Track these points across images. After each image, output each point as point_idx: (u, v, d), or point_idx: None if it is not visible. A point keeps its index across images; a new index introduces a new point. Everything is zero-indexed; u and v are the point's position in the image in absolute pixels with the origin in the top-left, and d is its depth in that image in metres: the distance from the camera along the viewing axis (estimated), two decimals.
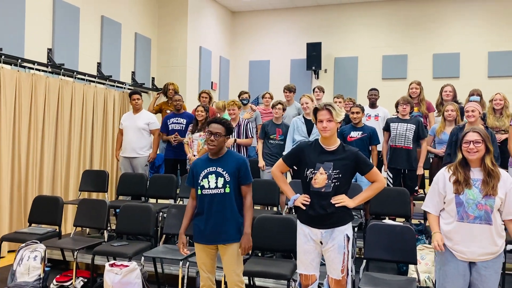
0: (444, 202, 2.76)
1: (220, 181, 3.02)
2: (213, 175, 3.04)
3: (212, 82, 9.35)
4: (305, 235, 2.93)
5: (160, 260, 4.34)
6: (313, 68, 9.37)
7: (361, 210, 5.03)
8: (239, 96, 6.58)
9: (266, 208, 5.53)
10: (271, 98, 6.68)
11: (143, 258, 4.01)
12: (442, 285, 2.76)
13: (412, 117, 5.19)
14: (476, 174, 2.69)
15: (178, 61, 8.43)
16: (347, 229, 2.89)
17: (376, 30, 9.32)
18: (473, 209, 2.63)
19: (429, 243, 4.16)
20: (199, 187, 3.05)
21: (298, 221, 3.01)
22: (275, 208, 5.26)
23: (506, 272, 3.96)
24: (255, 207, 5.63)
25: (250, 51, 10.19)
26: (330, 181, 2.83)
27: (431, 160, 5.48)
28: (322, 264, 2.99)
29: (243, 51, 10.23)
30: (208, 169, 3.06)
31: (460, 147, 2.74)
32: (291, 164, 3.10)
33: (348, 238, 2.86)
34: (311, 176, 2.87)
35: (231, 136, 5.28)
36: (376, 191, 2.95)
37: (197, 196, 3.08)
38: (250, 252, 3.23)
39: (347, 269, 2.86)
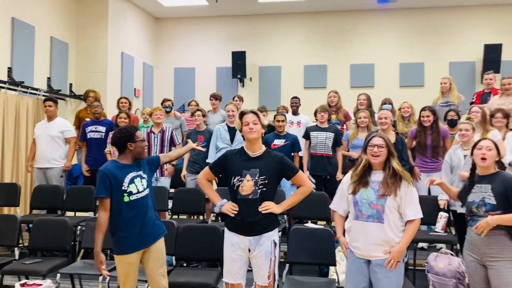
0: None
1: (144, 183, 3.06)
2: (138, 178, 3.03)
3: (135, 89, 9.10)
4: (233, 244, 2.92)
5: (78, 277, 4.12)
6: (239, 76, 9.47)
7: (285, 215, 5.15)
8: (162, 104, 6.48)
9: (191, 217, 5.48)
10: (197, 105, 6.66)
11: (59, 275, 3.79)
12: (346, 282, 2.93)
13: (330, 125, 5.45)
14: (376, 176, 2.85)
15: (98, 67, 8.10)
16: (274, 235, 2.93)
17: (298, 40, 9.65)
18: (366, 208, 2.80)
19: None
20: (125, 194, 2.94)
21: (225, 229, 3.01)
22: (201, 217, 5.23)
23: (416, 268, 4.28)
24: (180, 217, 5.56)
25: (175, 58, 10.06)
26: (257, 188, 2.86)
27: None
28: (249, 271, 3.01)
29: (168, 58, 10.08)
30: (131, 174, 3.01)
31: (365, 150, 2.91)
32: (217, 173, 3.12)
33: (275, 244, 2.91)
34: (238, 183, 2.88)
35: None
36: (303, 195, 3.00)
37: (123, 204, 2.94)
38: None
39: (274, 275, 2.90)
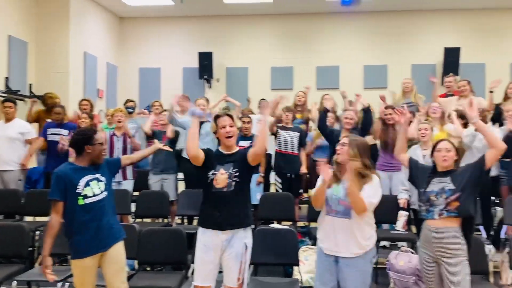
0: None
1: (102, 187, 2.97)
2: (95, 181, 2.95)
3: (98, 89, 8.89)
4: (206, 244, 2.90)
5: (35, 284, 3.97)
6: (205, 77, 9.42)
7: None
8: (124, 104, 6.36)
9: (156, 221, 5.40)
10: (161, 106, 6.58)
11: (15, 282, 3.64)
12: (315, 280, 2.97)
13: (295, 125, 5.51)
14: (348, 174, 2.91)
15: (60, 67, 7.87)
16: (247, 236, 2.93)
17: (265, 42, 9.69)
18: (336, 204, 2.87)
19: (313, 245, 4.40)
20: (80, 197, 2.87)
21: (199, 229, 2.98)
22: (165, 220, 5.16)
23: (378, 266, 4.36)
24: (144, 220, 5.47)
25: (140, 58, 9.90)
26: (231, 180, 2.88)
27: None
28: (219, 272, 2.99)
29: (133, 58, 9.91)
30: (87, 176, 2.93)
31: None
32: (203, 157, 2.97)
33: (246, 247, 2.90)
34: (212, 177, 2.90)
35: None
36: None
37: (77, 207, 2.87)
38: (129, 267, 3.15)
39: (243, 278, 2.90)
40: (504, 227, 4.67)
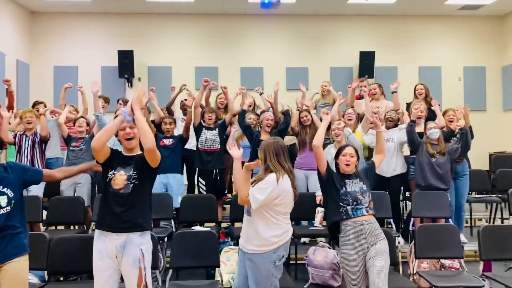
0: None
1: (4, 200, 2.71)
2: None
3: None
4: (100, 250, 2.82)
5: None
6: (126, 76, 9.10)
7: (172, 220, 5.07)
8: (33, 107, 5.94)
9: (73, 228, 5.12)
10: (76, 111, 6.29)
11: None
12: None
13: (217, 124, 5.50)
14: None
15: None
16: (143, 243, 2.86)
17: (188, 41, 9.57)
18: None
19: (235, 245, 4.41)
20: None
21: (95, 232, 2.90)
22: (82, 227, 4.91)
23: (297, 262, 4.49)
24: (58, 227, 5.17)
25: (55, 55, 9.32)
26: (129, 182, 2.84)
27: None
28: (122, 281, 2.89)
29: (47, 56, 9.30)
30: None
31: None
32: (105, 157, 2.92)
33: (143, 253, 2.83)
34: (111, 177, 2.85)
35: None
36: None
37: None
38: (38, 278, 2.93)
39: (145, 283, 2.83)
40: (412, 220, 5.01)
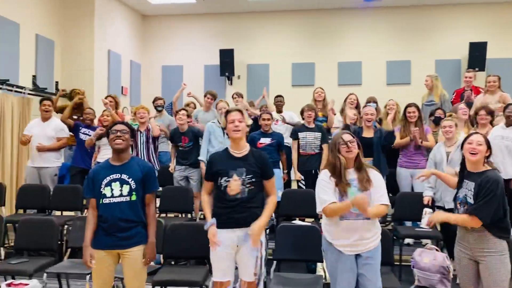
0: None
1: (126, 189, 2.92)
2: (117, 182, 2.92)
3: (122, 87, 9.04)
4: (221, 240, 2.91)
5: (65, 276, 4.09)
6: (227, 74, 9.47)
7: (274, 213, 5.17)
8: (153, 102, 6.45)
9: (181, 215, 5.47)
10: (188, 105, 6.70)
11: (45, 275, 3.76)
12: (335, 281, 2.92)
13: (316, 125, 5.46)
14: (351, 174, 2.89)
15: (85, 64, 8.03)
16: (262, 233, 2.94)
17: (286, 38, 9.68)
18: (355, 208, 2.78)
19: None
20: (101, 196, 2.91)
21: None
22: (189, 215, 5.23)
23: (402, 263, 4.34)
24: (168, 215, 5.55)
25: (163, 55, 10.02)
26: (244, 187, 2.87)
27: None
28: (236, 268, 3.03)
29: (156, 56, 10.04)
30: (111, 176, 2.94)
31: (338, 148, 2.91)
32: (210, 179, 3.02)
33: (261, 243, 2.92)
34: (225, 184, 2.88)
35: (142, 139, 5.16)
36: (274, 206, 2.99)
37: (99, 206, 2.93)
38: (154, 261, 3.17)
39: (260, 272, 2.93)
40: None
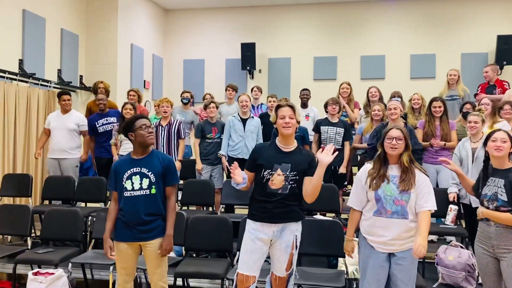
0: (368, 200, 2.87)
1: (145, 182, 2.95)
2: (137, 176, 2.96)
3: (144, 81, 9.13)
4: (255, 233, 2.88)
5: (89, 266, 4.17)
6: (248, 68, 9.44)
7: None
8: (181, 95, 6.54)
9: (202, 209, 5.51)
10: (212, 98, 6.71)
11: (70, 264, 3.85)
12: (364, 276, 2.89)
13: (340, 120, 5.39)
14: (394, 171, 2.82)
15: (108, 58, 8.13)
16: (298, 229, 2.93)
17: (307, 32, 9.58)
18: (391, 204, 2.76)
19: (357, 237, 4.35)
20: (123, 189, 2.96)
21: (248, 220, 2.97)
22: (210, 208, 5.25)
23: (425, 260, 4.26)
24: (190, 208, 5.60)
25: (185, 49, 10.06)
26: (287, 183, 2.83)
27: (359, 158, 5.74)
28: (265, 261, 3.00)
29: (177, 50, 10.08)
30: (131, 170, 2.98)
31: (382, 143, 2.86)
32: (253, 169, 2.97)
33: (297, 239, 2.91)
34: (268, 177, 2.84)
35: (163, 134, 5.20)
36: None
37: (121, 198, 2.98)
38: (176, 253, 3.19)
39: (292, 268, 2.92)
40: None
